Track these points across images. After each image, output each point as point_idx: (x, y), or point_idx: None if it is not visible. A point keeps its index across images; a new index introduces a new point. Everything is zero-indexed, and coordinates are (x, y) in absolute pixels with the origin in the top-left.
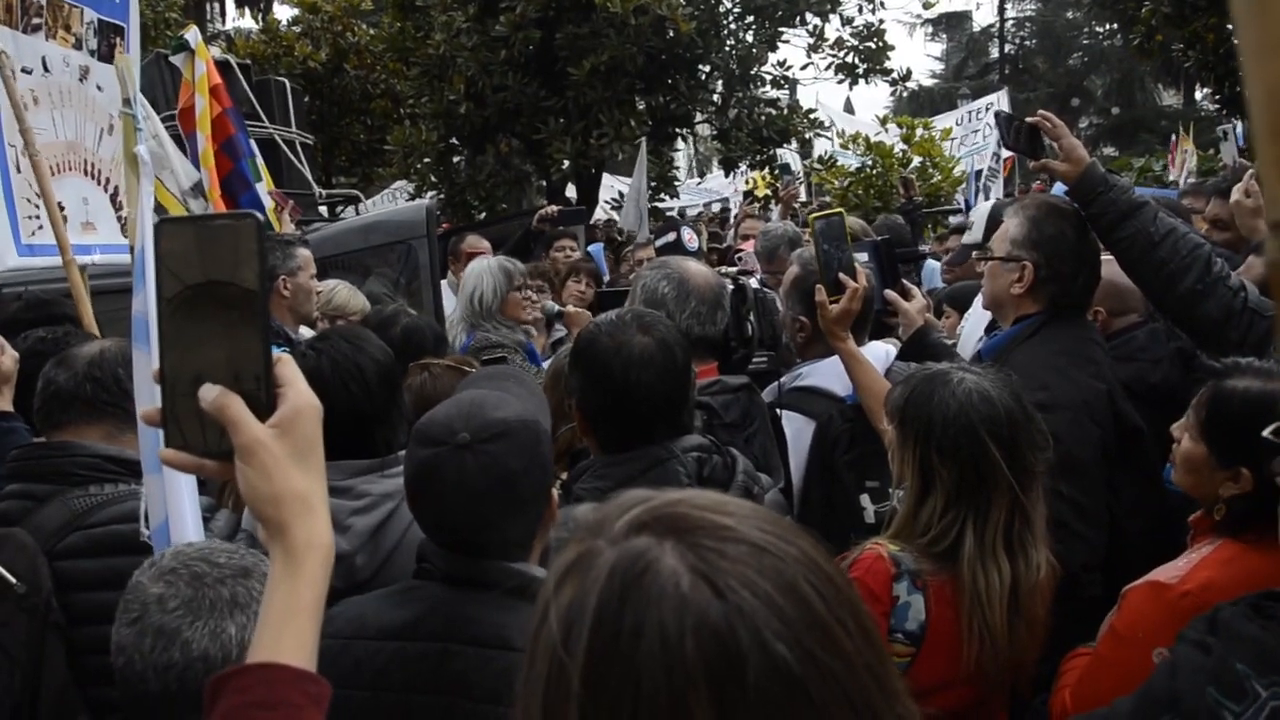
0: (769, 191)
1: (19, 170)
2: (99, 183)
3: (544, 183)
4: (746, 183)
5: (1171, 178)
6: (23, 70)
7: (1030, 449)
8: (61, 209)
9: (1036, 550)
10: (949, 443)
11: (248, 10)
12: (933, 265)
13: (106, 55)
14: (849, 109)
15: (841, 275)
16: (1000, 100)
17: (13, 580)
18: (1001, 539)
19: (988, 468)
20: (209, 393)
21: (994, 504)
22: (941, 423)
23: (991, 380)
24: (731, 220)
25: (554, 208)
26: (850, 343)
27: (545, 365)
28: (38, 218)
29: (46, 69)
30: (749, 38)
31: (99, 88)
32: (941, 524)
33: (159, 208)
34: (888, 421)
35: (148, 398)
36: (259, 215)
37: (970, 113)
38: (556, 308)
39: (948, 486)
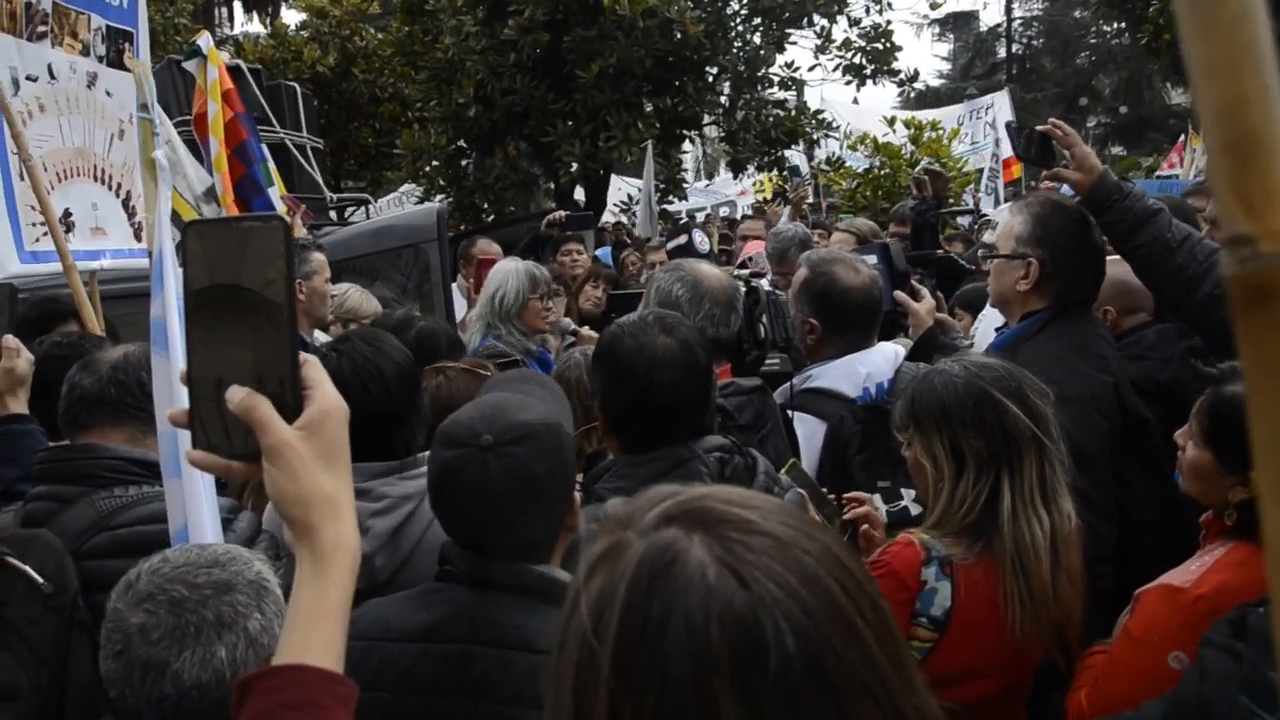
0: (777, 192)
1: (23, 178)
2: (110, 188)
3: (552, 185)
4: (754, 186)
5: (1172, 173)
6: (27, 78)
7: (1036, 395)
8: (69, 215)
9: (1065, 499)
10: (970, 413)
11: (256, 15)
12: None
13: (115, 61)
14: (856, 102)
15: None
16: (1001, 100)
17: (40, 580)
18: (1038, 490)
19: (1010, 423)
20: (236, 394)
21: (1025, 456)
22: (955, 401)
23: (975, 356)
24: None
25: (562, 213)
26: None
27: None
28: (43, 224)
29: (53, 76)
30: (756, 39)
31: (108, 93)
32: (976, 488)
33: (173, 213)
34: (901, 436)
35: (166, 401)
36: (286, 217)
37: (971, 111)
38: (571, 325)
39: (979, 455)
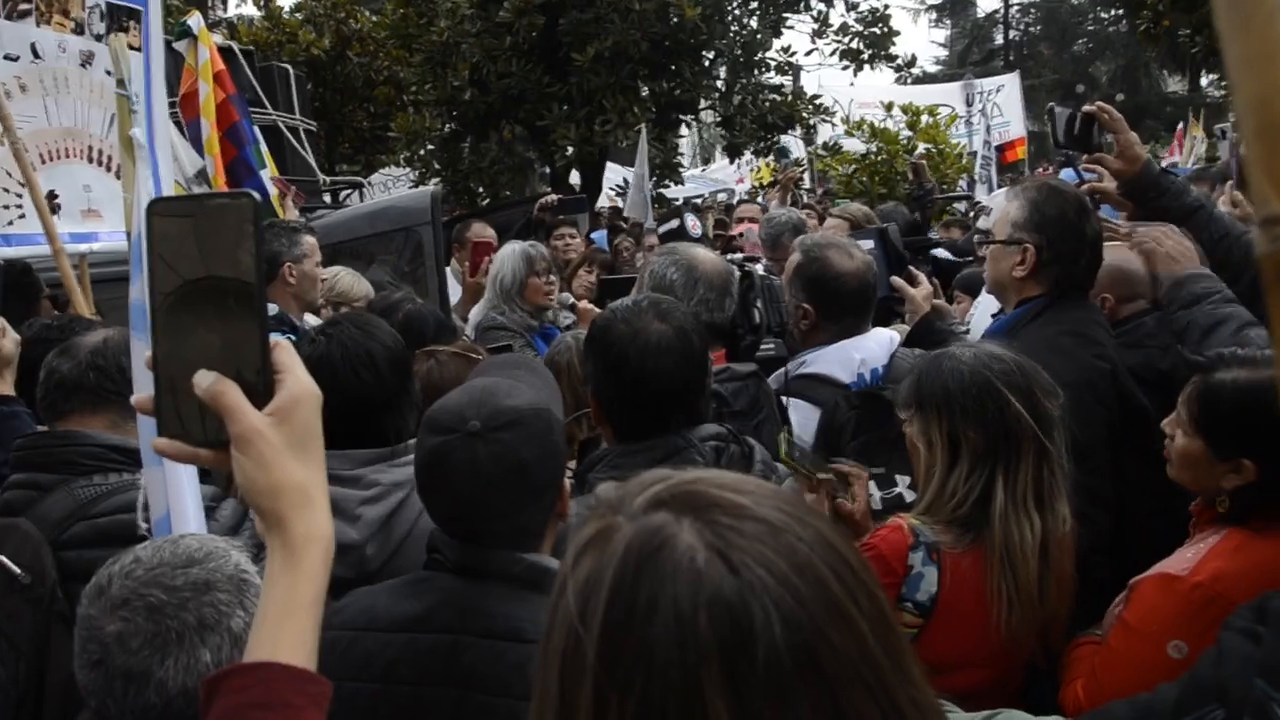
0: (774, 179)
1: None
2: (109, 169)
3: (548, 169)
4: (752, 172)
5: (1172, 160)
6: (6, 57)
7: (1044, 394)
8: (54, 196)
9: (1061, 503)
10: (972, 403)
11: None
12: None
13: None
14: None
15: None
16: (1012, 83)
17: (17, 571)
18: (1032, 492)
19: (1012, 419)
20: (204, 380)
21: (1022, 456)
22: (959, 388)
23: (989, 345)
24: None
25: (554, 196)
26: None
27: None
28: (19, 207)
29: (37, 55)
30: (753, 23)
31: (108, 72)
32: (969, 483)
33: None
34: (903, 414)
35: (146, 386)
36: (255, 195)
37: (974, 93)
38: (570, 299)
39: (976, 448)
